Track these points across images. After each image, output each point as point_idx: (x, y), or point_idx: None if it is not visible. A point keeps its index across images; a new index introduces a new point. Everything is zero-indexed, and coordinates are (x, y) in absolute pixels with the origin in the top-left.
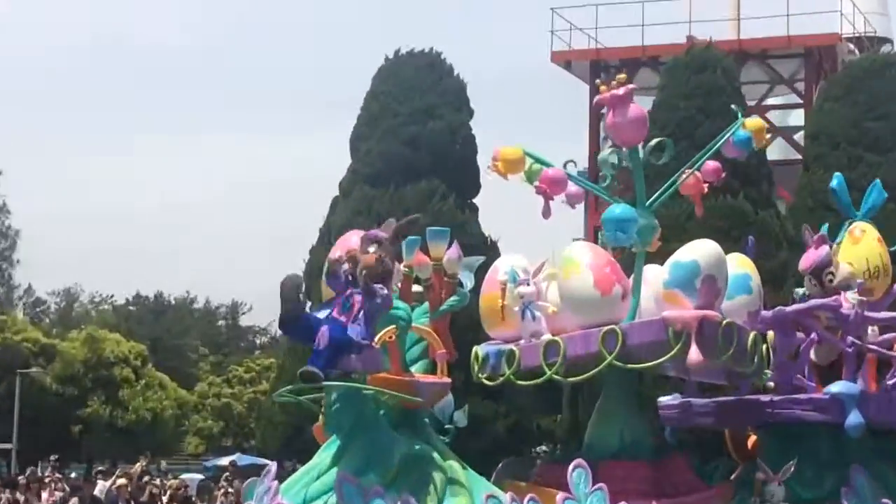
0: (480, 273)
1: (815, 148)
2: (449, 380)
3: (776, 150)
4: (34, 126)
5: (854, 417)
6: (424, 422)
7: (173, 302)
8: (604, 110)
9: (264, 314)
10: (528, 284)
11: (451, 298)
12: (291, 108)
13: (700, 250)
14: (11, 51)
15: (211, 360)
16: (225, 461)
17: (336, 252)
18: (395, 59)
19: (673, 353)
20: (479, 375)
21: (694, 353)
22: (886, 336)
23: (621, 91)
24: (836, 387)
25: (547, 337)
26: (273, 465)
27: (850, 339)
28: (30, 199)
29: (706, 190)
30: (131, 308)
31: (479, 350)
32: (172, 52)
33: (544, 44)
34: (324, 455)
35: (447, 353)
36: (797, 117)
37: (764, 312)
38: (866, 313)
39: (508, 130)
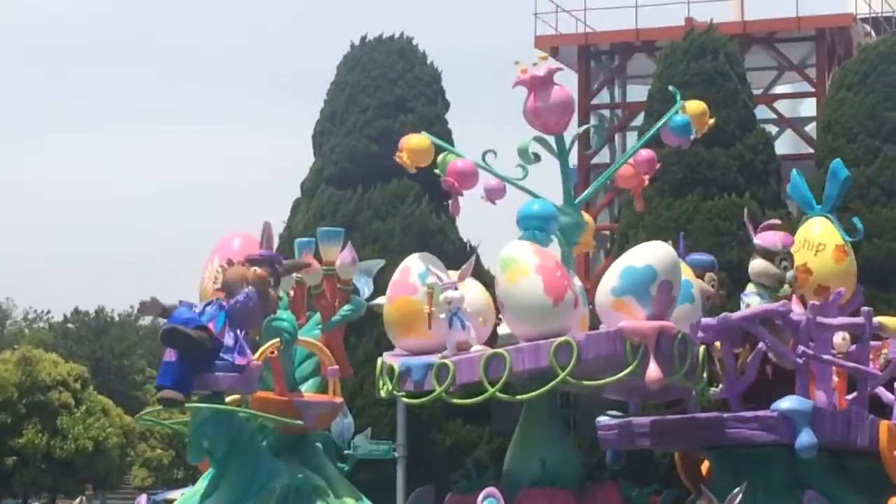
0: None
1: (828, 140)
2: (340, 399)
3: (786, 144)
4: None
5: (806, 437)
6: (315, 447)
7: (117, 318)
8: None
9: None
10: (455, 289)
11: (345, 307)
12: (246, 100)
13: (655, 253)
14: None
15: None
16: (176, 494)
17: (215, 259)
18: (362, 46)
19: (630, 368)
20: (395, 392)
21: (653, 370)
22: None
23: (542, 72)
24: (786, 403)
25: (488, 350)
26: (143, 498)
27: (801, 348)
28: None
29: (647, 182)
30: (70, 325)
31: (393, 363)
32: (109, 34)
33: (528, 27)
34: (202, 485)
35: (340, 369)
36: (809, 107)
37: (707, 320)
38: (819, 319)
39: (487, 124)
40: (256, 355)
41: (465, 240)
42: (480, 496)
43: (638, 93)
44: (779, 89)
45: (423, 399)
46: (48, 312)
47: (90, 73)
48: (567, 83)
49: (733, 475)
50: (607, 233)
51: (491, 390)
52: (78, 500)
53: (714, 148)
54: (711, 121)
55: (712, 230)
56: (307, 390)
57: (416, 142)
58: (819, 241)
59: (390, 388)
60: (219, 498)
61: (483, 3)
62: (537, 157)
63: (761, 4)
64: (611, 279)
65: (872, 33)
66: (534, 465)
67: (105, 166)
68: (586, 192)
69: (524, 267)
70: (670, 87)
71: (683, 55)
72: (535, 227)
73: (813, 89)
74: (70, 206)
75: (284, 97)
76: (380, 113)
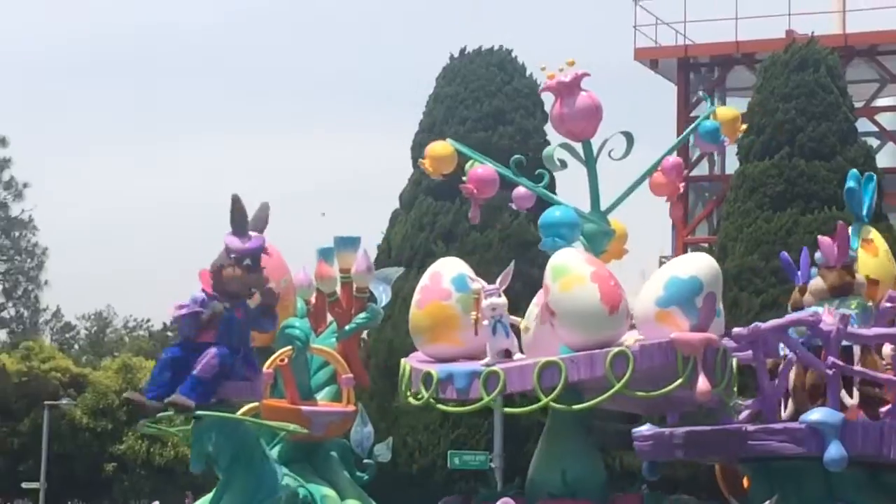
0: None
1: None
2: (353, 408)
3: (887, 156)
4: (65, 132)
5: (834, 450)
6: (330, 455)
7: None
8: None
9: None
10: (499, 295)
11: (360, 315)
12: (347, 111)
13: (700, 265)
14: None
15: None
16: None
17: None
18: (461, 58)
19: (681, 381)
20: (432, 400)
21: (702, 383)
22: None
23: (568, 77)
24: (815, 415)
25: (541, 359)
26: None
27: (830, 359)
28: (59, 213)
29: (681, 189)
30: (169, 334)
31: (431, 369)
32: (215, 43)
33: (627, 40)
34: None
35: (354, 377)
36: None
37: (738, 330)
38: (850, 330)
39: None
40: (267, 363)
41: None
42: None
43: (738, 105)
44: (880, 102)
45: (468, 406)
46: (148, 321)
47: (202, 82)
48: (666, 95)
49: (769, 486)
50: (706, 245)
51: (545, 399)
52: None
53: (814, 161)
54: (744, 126)
55: (812, 244)
56: (323, 399)
57: (440, 149)
58: (885, 248)
59: (425, 395)
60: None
61: (583, 16)
62: (563, 164)
63: (863, 17)
64: (654, 290)
65: None
66: (555, 477)
67: (208, 172)
68: (614, 200)
69: (580, 275)
70: (701, 93)
71: (784, 68)
72: (556, 234)
73: None
74: (175, 209)
75: (384, 108)
76: (478, 125)
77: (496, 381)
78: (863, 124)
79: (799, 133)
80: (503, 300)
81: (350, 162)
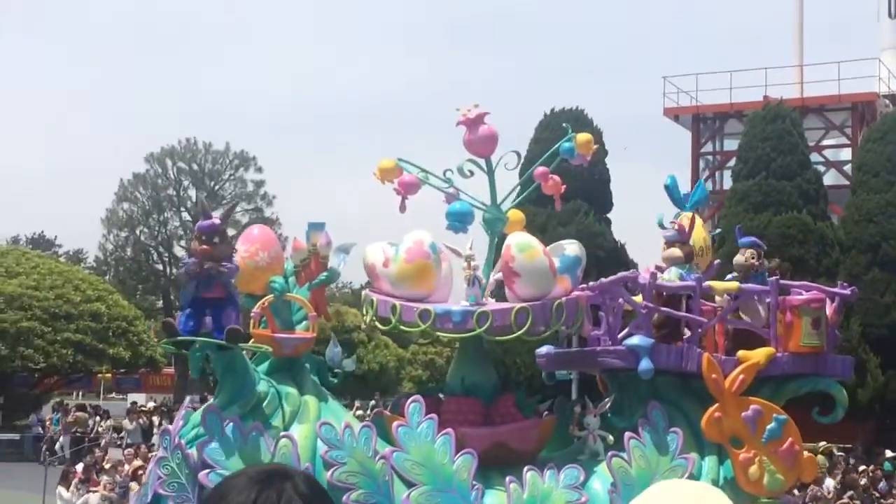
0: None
1: (859, 176)
2: (313, 334)
3: (830, 178)
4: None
5: (645, 364)
6: (304, 367)
7: None
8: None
9: None
10: (475, 258)
11: (322, 274)
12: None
13: (578, 248)
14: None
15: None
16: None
17: (245, 245)
18: (551, 115)
19: (578, 324)
20: (429, 329)
21: (587, 325)
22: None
23: (473, 115)
24: (633, 339)
25: (517, 304)
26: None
27: (644, 303)
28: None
29: (562, 189)
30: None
31: (429, 307)
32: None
33: (658, 102)
34: None
35: (316, 315)
36: (846, 154)
37: (592, 284)
38: (658, 282)
39: (633, 165)
40: (256, 306)
41: (618, 241)
42: (408, 401)
43: (730, 144)
44: (826, 142)
45: (463, 335)
46: (350, 282)
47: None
48: (684, 139)
49: (618, 389)
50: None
51: (517, 333)
52: (372, 402)
53: (782, 181)
54: (595, 147)
55: (780, 235)
56: (301, 329)
57: (385, 162)
58: (698, 227)
59: (422, 326)
60: (216, 399)
61: (628, 86)
62: (471, 173)
63: (815, 86)
64: (554, 262)
65: (890, 105)
66: (457, 382)
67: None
68: (512, 195)
69: (538, 250)
70: (564, 125)
71: (762, 120)
72: (456, 220)
73: (849, 142)
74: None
75: (503, 146)
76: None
77: (486, 318)
78: (814, 157)
79: (772, 163)
80: (478, 262)
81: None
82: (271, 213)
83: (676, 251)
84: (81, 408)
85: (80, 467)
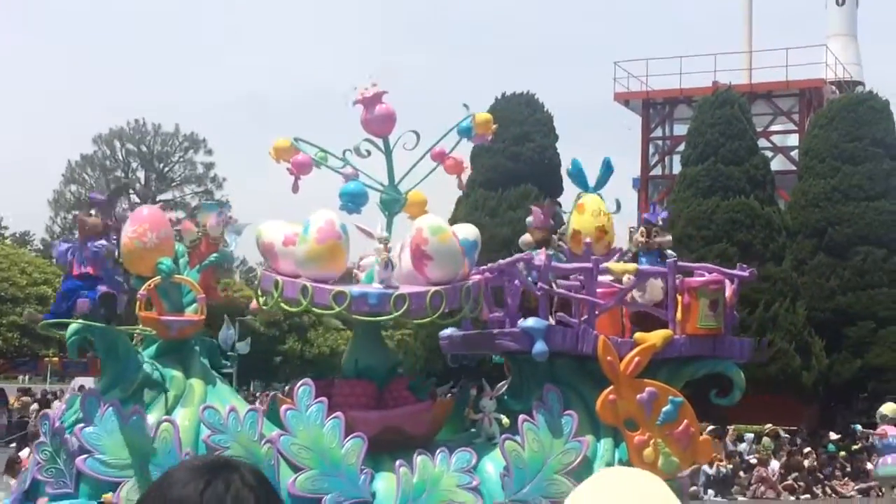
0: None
1: (806, 161)
2: (201, 317)
3: (777, 163)
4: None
5: (539, 346)
6: (193, 349)
7: None
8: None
9: None
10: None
11: (212, 255)
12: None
13: (474, 230)
14: None
15: None
16: None
17: (133, 226)
18: (503, 98)
19: (480, 305)
20: (345, 312)
21: (485, 308)
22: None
23: (370, 93)
24: (528, 322)
25: (432, 288)
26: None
27: (540, 284)
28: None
29: (468, 170)
30: None
31: (344, 289)
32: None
33: (609, 87)
34: None
35: (206, 297)
36: (793, 139)
37: (490, 265)
38: (553, 264)
39: (583, 149)
40: (142, 288)
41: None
42: (297, 385)
43: (680, 129)
44: (773, 128)
45: (380, 318)
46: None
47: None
48: (634, 124)
49: (518, 371)
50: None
51: (431, 317)
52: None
53: (730, 166)
54: (495, 126)
55: (728, 220)
56: (191, 311)
57: (280, 142)
58: (595, 209)
59: (337, 309)
60: (101, 385)
61: (580, 69)
62: (368, 153)
63: (763, 72)
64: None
65: (837, 92)
66: (351, 364)
67: None
68: (402, 176)
69: (449, 233)
70: (464, 104)
71: (711, 106)
72: (349, 201)
73: (796, 128)
74: None
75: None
76: (513, 142)
77: (403, 302)
78: (762, 143)
79: (720, 148)
80: (392, 244)
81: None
82: (221, 196)
83: (527, 237)
84: (25, 392)
85: (24, 453)
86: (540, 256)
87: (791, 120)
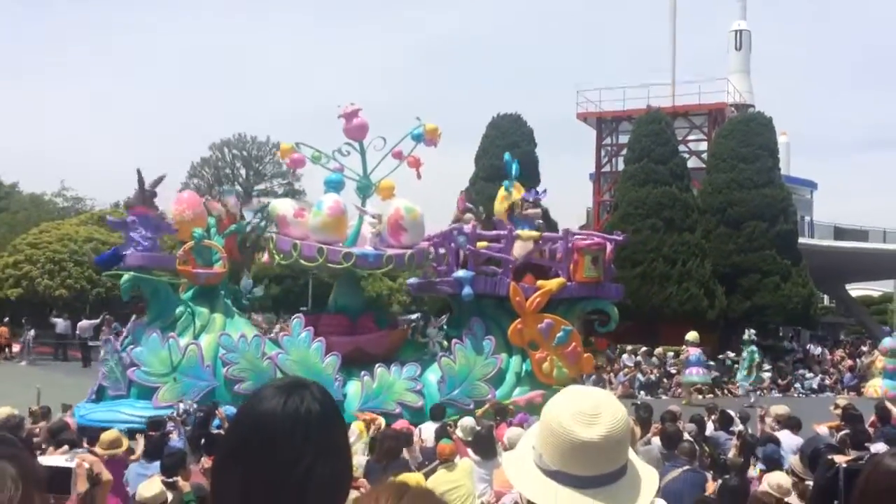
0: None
1: (712, 161)
2: (223, 270)
3: (692, 162)
4: None
5: (466, 290)
6: (220, 293)
7: None
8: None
9: None
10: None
11: (232, 226)
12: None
13: (420, 210)
14: None
15: None
16: None
17: (177, 206)
18: (498, 117)
19: (426, 264)
20: (344, 262)
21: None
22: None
23: (349, 110)
24: (459, 273)
25: (408, 251)
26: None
27: (468, 246)
28: None
29: (422, 164)
30: None
31: (351, 251)
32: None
33: (573, 108)
34: None
35: (227, 256)
36: (703, 146)
37: (433, 234)
38: (477, 231)
39: (556, 156)
40: (181, 249)
41: (544, 206)
42: (292, 318)
43: (623, 139)
44: (690, 138)
45: (376, 270)
46: None
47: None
48: (590, 135)
49: (458, 309)
50: (609, 203)
51: (410, 269)
52: None
53: (659, 165)
54: (440, 133)
55: (657, 203)
56: (217, 266)
57: (285, 145)
58: (502, 195)
59: (345, 265)
60: (147, 318)
61: (552, 94)
62: (348, 153)
63: (683, 98)
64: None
65: (735, 111)
66: (333, 303)
67: None
68: (377, 169)
69: (418, 212)
70: (417, 117)
71: (645, 122)
72: (330, 187)
73: (706, 138)
74: None
75: (467, 140)
76: (504, 148)
77: (391, 260)
78: (681, 148)
79: (651, 152)
80: (380, 220)
81: (442, 168)
82: (299, 186)
83: (458, 216)
84: None
85: None
86: (468, 226)
87: (702, 132)
